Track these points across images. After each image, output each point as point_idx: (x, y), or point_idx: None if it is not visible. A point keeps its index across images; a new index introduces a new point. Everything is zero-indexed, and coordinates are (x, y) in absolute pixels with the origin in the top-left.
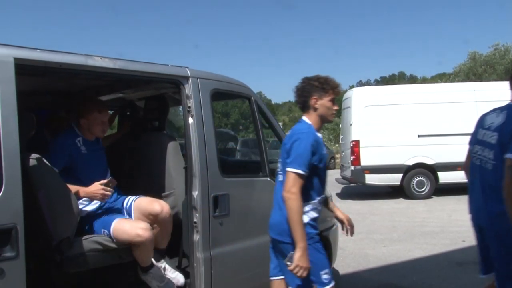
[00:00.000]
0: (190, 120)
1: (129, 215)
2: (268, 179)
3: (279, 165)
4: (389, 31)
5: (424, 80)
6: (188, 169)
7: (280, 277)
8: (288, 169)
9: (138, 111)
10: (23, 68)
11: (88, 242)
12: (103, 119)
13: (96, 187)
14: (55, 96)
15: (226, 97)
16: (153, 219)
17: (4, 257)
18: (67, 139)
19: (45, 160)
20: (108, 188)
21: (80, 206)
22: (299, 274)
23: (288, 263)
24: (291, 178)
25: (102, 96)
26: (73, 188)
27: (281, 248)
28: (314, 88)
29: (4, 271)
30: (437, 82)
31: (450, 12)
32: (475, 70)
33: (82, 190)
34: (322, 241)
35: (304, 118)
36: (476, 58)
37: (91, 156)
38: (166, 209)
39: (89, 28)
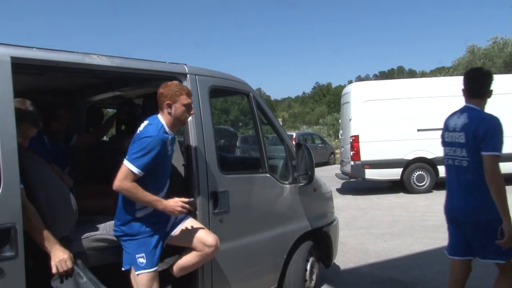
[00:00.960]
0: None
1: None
2: (268, 175)
3: (447, 151)
4: (388, 26)
5: (423, 74)
6: (187, 166)
7: (463, 258)
8: (487, 153)
9: (136, 109)
10: (20, 67)
11: (88, 240)
12: (191, 103)
13: (176, 202)
14: (54, 95)
15: (225, 94)
16: (199, 247)
17: (3, 256)
18: (160, 141)
19: (42, 159)
20: (187, 206)
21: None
22: (509, 245)
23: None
24: (492, 160)
25: (100, 94)
26: (152, 197)
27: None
28: (491, 82)
29: (3, 270)
30: (436, 76)
31: (448, 6)
32: (474, 64)
33: (161, 202)
34: (322, 236)
35: (473, 105)
36: (475, 51)
37: (171, 156)
38: (218, 246)
39: (88, 27)
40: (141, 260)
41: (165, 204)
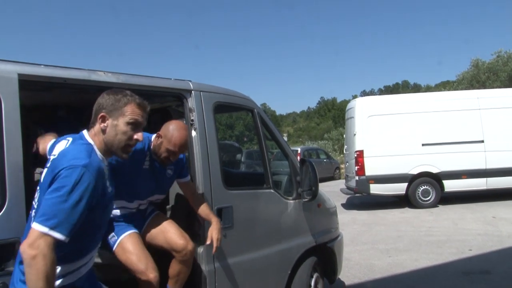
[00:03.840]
0: (193, 133)
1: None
2: (272, 191)
3: None
4: (393, 40)
5: (428, 89)
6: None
7: None
8: None
9: None
10: (27, 84)
11: None
12: None
13: None
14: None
15: (229, 110)
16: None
17: (8, 271)
18: None
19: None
20: None
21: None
22: None
23: None
24: None
25: None
26: None
27: None
28: None
29: (7, 285)
30: (441, 90)
31: (452, 20)
32: (478, 78)
33: None
34: (327, 252)
35: None
36: (479, 65)
37: None
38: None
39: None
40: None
41: None
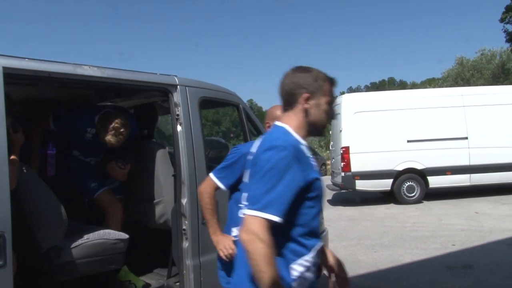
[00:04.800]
0: (179, 128)
1: None
2: None
3: None
4: (379, 37)
5: (413, 86)
6: (177, 177)
7: None
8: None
9: None
10: (12, 77)
11: (77, 250)
12: None
13: None
14: (46, 105)
15: (215, 105)
16: None
17: None
18: None
19: (31, 169)
20: None
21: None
22: None
23: None
24: None
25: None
26: None
27: None
28: None
29: None
30: (426, 87)
31: (437, 18)
32: (463, 75)
33: None
34: None
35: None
36: (464, 63)
37: None
38: None
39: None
40: None
41: None
